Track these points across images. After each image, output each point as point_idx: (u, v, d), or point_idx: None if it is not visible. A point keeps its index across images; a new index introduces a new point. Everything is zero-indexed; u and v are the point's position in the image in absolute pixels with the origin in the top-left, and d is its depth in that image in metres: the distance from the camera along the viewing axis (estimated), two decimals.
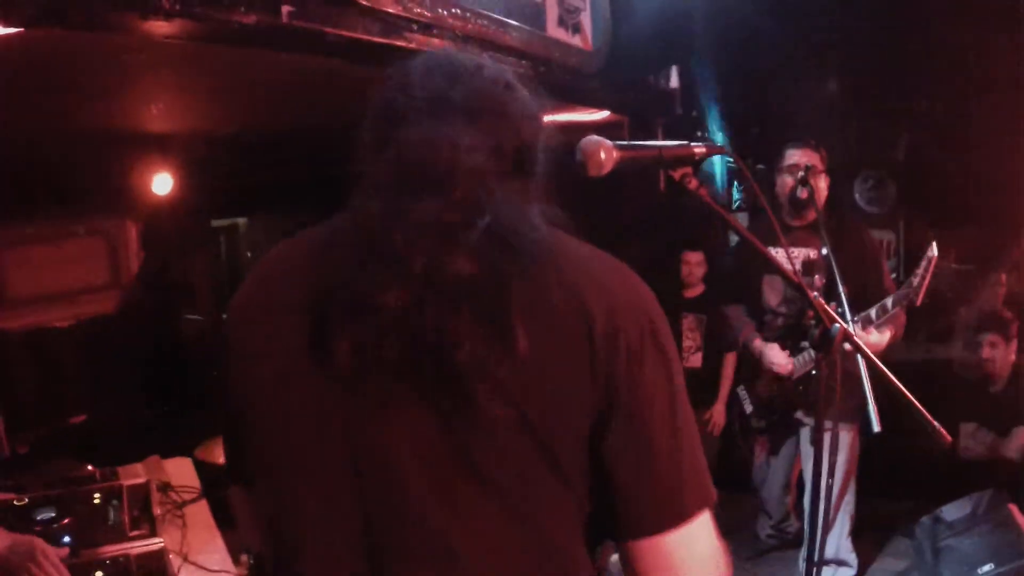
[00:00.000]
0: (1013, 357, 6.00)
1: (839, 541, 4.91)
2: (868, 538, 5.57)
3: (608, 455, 1.41)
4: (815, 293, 4.49)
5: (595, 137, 1.76)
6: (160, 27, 2.98)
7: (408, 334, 1.34)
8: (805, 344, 4.73)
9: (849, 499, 4.90)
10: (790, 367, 4.84)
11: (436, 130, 1.43)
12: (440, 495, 1.41)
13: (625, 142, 1.81)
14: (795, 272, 2.19)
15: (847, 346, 2.21)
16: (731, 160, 7.23)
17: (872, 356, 2.31)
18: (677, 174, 1.90)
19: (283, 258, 1.64)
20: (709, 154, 1.97)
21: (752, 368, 5.19)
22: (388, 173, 1.43)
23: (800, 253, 4.84)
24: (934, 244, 4.10)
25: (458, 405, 1.36)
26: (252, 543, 1.75)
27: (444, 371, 1.34)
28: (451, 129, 1.43)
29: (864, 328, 4.33)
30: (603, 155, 1.74)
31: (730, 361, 6.38)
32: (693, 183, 1.90)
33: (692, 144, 1.93)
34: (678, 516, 1.43)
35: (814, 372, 4.65)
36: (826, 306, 2.31)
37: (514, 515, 1.42)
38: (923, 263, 4.10)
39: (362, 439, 1.43)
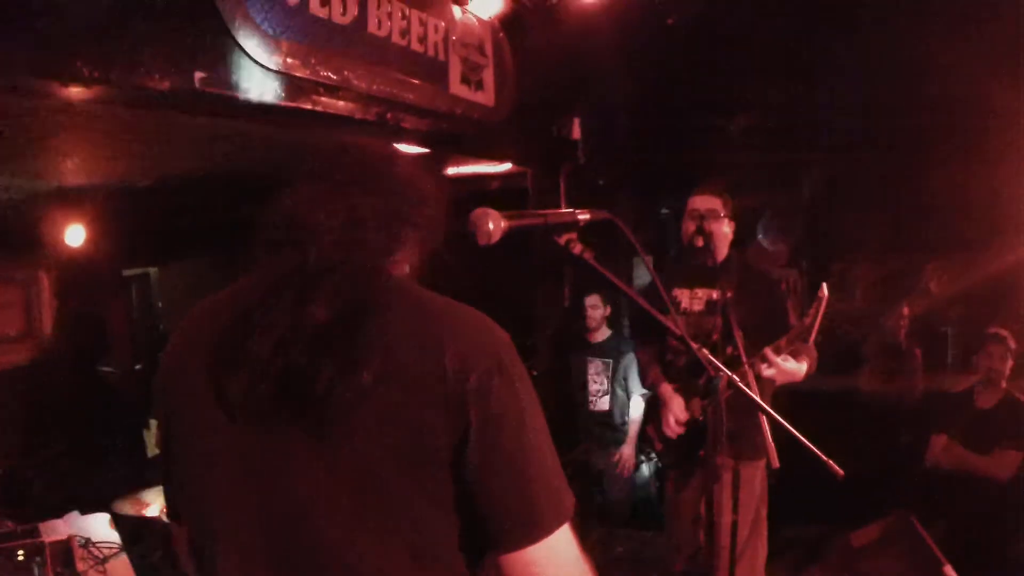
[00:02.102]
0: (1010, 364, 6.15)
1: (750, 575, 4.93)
2: (781, 565, 5.63)
3: (467, 477, 1.58)
4: (715, 337, 4.69)
5: (483, 209, 1.88)
6: (79, 93, 3.07)
7: (278, 374, 1.58)
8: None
9: (759, 533, 4.92)
10: (677, 432, 4.96)
11: (301, 197, 1.75)
12: (332, 518, 1.61)
13: (513, 211, 1.94)
14: (678, 325, 2.33)
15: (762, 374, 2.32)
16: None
17: (757, 399, 2.45)
18: (562, 240, 2.04)
19: (196, 318, 1.87)
20: (592, 219, 2.12)
21: (660, 407, 5.25)
22: (264, 236, 1.74)
23: (703, 294, 4.98)
24: (825, 286, 4.25)
25: (326, 432, 1.59)
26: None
27: (310, 403, 1.57)
28: (316, 195, 1.73)
29: (757, 365, 4.48)
30: (491, 225, 1.86)
31: (638, 403, 6.53)
32: (577, 248, 2.02)
33: (576, 211, 2.07)
34: (537, 531, 1.61)
35: (701, 419, 4.78)
36: (709, 355, 2.45)
37: (396, 533, 1.60)
38: (815, 304, 4.26)
39: (262, 471, 1.64)
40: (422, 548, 1.62)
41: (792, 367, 4.45)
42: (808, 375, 4.59)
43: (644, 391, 6.27)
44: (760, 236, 8.91)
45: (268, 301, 1.63)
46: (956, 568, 4.98)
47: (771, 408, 2.50)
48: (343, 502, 1.60)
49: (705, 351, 2.41)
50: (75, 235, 7.72)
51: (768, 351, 4.42)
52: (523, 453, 1.63)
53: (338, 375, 1.55)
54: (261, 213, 1.76)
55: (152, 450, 8.25)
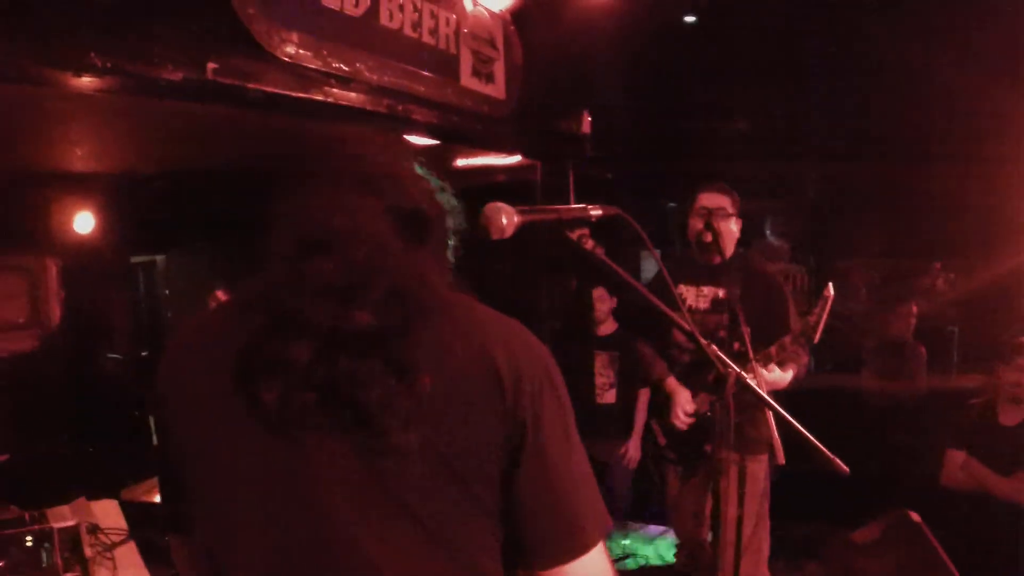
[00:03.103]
0: None
1: (754, 569, 4.94)
2: (781, 562, 5.62)
3: (517, 488, 1.56)
4: (721, 335, 4.70)
5: (497, 204, 1.88)
6: (92, 83, 3.08)
7: (322, 382, 1.50)
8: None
9: (762, 527, 4.94)
10: (687, 423, 4.95)
11: (333, 198, 1.63)
12: (366, 525, 1.54)
13: (526, 207, 1.93)
14: (688, 321, 2.33)
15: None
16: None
17: (766, 396, 2.45)
18: (575, 235, 2.04)
19: (204, 325, 1.80)
20: (605, 215, 2.13)
21: (664, 402, 5.26)
22: (290, 240, 1.60)
23: (709, 292, 4.99)
24: (830, 285, 4.25)
25: (375, 441, 1.51)
26: None
27: (359, 411, 1.50)
28: (347, 197, 1.64)
29: (765, 365, 4.48)
30: (504, 220, 1.86)
31: (643, 397, 6.53)
32: (589, 243, 2.03)
33: (588, 207, 2.08)
34: (581, 546, 1.59)
35: (709, 414, 4.78)
36: (719, 351, 2.45)
37: (436, 542, 1.55)
38: (819, 303, 4.26)
39: (291, 479, 1.56)
40: (462, 558, 1.59)
41: (775, 377, 4.48)
42: (796, 380, 4.61)
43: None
44: (768, 234, 8.93)
45: (305, 307, 1.53)
46: None
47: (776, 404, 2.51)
48: (382, 511, 1.55)
49: (714, 347, 2.41)
50: (83, 223, 7.75)
51: (754, 363, 4.41)
52: (568, 466, 1.62)
53: (393, 382, 1.50)
54: (279, 216, 1.66)
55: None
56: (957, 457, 5.85)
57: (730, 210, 4.90)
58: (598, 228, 2.14)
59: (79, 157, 6.22)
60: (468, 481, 1.54)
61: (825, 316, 4.25)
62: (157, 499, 4.59)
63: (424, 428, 1.51)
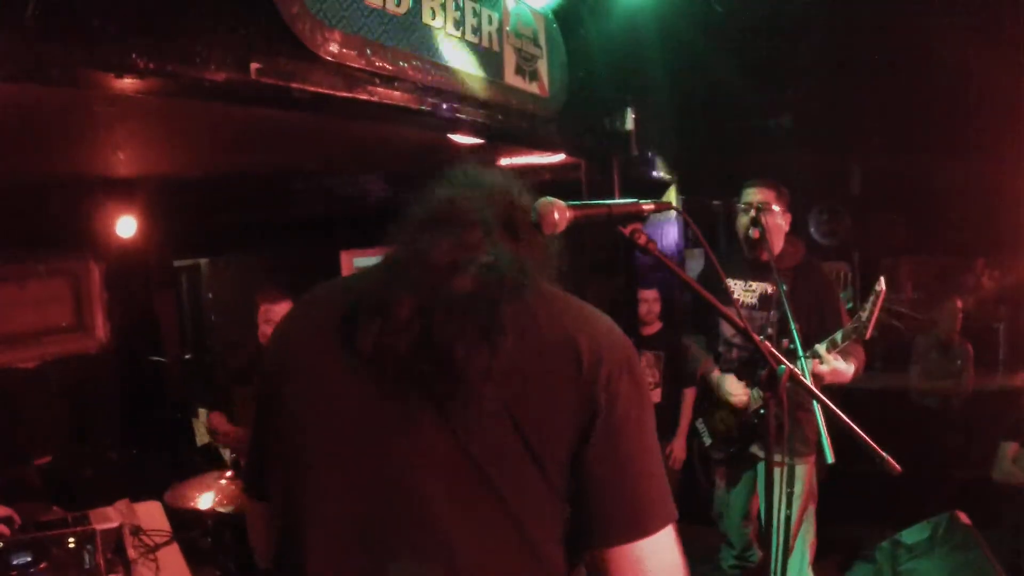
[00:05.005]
0: None
1: (800, 570, 4.90)
2: (829, 563, 5.60)
3: (588, 466, 1.63)
4: (769, 331, 4.66)
5: (549, 198, 1.86)
6: (134, 85, 3.07)
7: (417, 333, 1.64)
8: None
9: (808, 528, 4.90)
10: (745, 398, 4.92)
11: (453, 194, 1.83)
12: (445, 491, 1.64)
13: (578, 201, 1.91)
14: (740, 316, 2.28)
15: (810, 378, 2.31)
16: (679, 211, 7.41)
17: (818, 392, 2.40)
18: (627, 230, 2.01)
19: (322, 290, 1.96)
20: (657, 210, 2.09)
21: (710, 401, 5.25)
22: (415, 224, 1.80)
23: (758, 288, 4.96)
24: (882, 279, 4.21)
25: (458, 403, 1.64)
26: (260, 553, 1.96)
27: (444, 368, 1.62)
28: (463, 194, 1.82)
29: (816, 360, 4.43)
30: (557, 215, 1.84)
31: (689, 396, 6.48)
32: (643, 238, 2.00)
33: (641, 201, 2.04)
34: (648, 527, 1.65)
35: (763, 411, 4.74)
36: (772, 347, 2.41)
37: (507, 515, 1.63)
38: (871, 298, 4.21)
39: (377, 436, 1.70)
40: (529, 533, 1.66)
41: (842, 367, 4.45)
42: (855, 376, 4.55)
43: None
44: (812, 230, 8.86)
45: (415, 270, 1.70)
46: None
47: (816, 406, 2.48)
48: (460, 478, 1.64)
49: (767, 344, 2.37)
50: (126, 226, 7.78)
51: (822, 348, 4.39)
52: (641, 451, 1.70)
53: (477, 343, 1.62)
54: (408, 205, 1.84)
55: (201, 439, 8.30)
56: (1010, 449, 5.86)
57: (776, 205, 4.88)
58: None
59: (123, 161, 6.23)
60: (543, 457, 1.64)
61: (877, 312, 4.20)
62: (199, 501, 4.62)
63: (503, 390, 1.63)
